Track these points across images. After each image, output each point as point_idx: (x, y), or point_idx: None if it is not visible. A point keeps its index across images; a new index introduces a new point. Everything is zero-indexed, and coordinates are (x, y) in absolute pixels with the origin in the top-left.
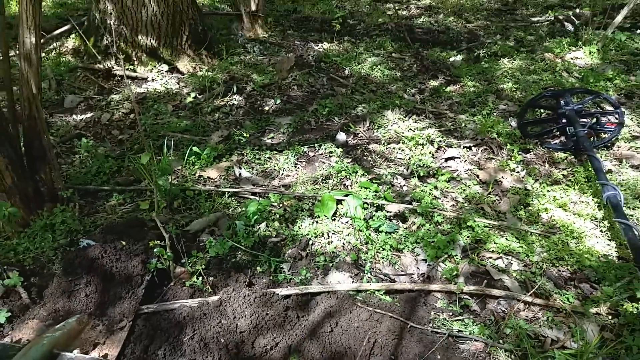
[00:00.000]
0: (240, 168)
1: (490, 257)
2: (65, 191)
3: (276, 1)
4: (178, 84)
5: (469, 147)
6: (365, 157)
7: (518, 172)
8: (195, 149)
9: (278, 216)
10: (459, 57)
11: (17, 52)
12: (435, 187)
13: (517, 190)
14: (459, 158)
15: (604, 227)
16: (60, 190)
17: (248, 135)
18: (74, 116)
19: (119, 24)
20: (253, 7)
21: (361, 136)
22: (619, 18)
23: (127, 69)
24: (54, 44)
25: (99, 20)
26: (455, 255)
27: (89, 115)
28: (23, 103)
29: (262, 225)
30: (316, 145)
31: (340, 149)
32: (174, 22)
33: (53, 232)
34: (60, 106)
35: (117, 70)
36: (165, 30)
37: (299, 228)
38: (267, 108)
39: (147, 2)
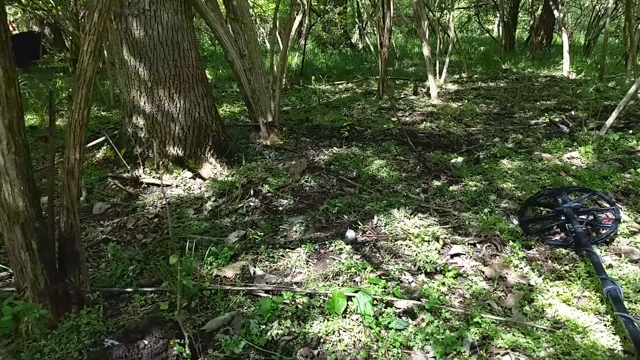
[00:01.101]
0: (255, 266)
1: (498, 353)
2: (92, 294)
3: (290, 112)
4: (200, 189)
5: (474, 244)
6: (373, 254)
7: (522, 268)
8: (213, 249)
9: (290, 314)
10: (460, 159)
11: (62, 165)
12: (443, 284)
13: (522, 286)
14: (464, 254)
15: (608, 321)
16: (87, 292)
17: (263, 234)
18: (102, 222)
19: (149, 136)
20: (269, 119)
21: (369, 233)
22: (610, 119)
23: (153, 177)
24: (87, 155)
25: (130, 133)
26: (464, 352)
27: (115, 220)
28: (62, 211)
29: (275, 324)
30: (327, 242)
31: (350, 246)
32: (199, 134)
33: (78, 333)
34: (89, 213)
35: (144, 178)
36: (191, 142)
37: (310, 326)
38: (281, 208)
39: (176, 118)
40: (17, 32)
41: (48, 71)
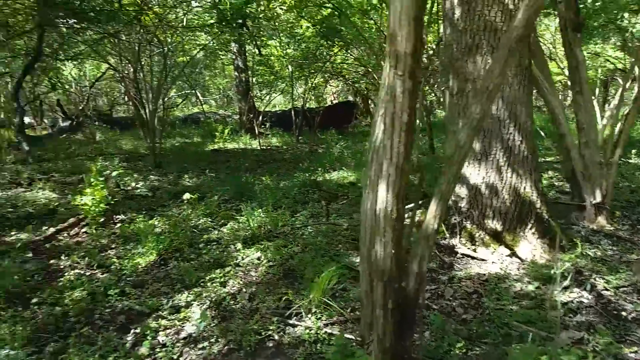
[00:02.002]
0: None
1: None
2: None
3: (619, 192)
4: (518, 269)
5: None
6: None
7: None
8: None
9: None
10: None
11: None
12: None
13: None
14: None
15: None
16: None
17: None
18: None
19: (469, 207)
20: (598, 199)
21: None
22: None
23: (468, 248)
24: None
25: (451, 201)
26: None
27: (433, 287)
28: (411, 276)
29: None
30: None
31: None
32: (522, 210)
33: None
34: None
35: (459, 247)
36: (512, 217)
37: None
38: (624, 314)
39: (500, 192)
40: (336, 101)
41: (357, 134)
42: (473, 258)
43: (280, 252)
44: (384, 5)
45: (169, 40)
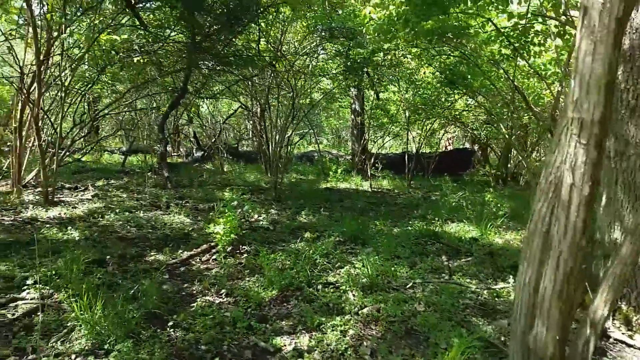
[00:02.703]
0: None
1: None
2: None
3: None
4: None
5: None
6: None
7: None
8: None
9: None
10: None
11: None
12: None
13: None
14: None
15: None
16: None
17: None
18: None
19: (626, 285)
20: None
21: None
22: None
23: (623, 333)
24: None
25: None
26: None
27: None
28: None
29: None
30: None
31: None
32: None
33: None
34: None
35: (612, 331)
36: None
37: None
38: None
39: None
40: (451, 147)
41: (474, 183)
42: (629, 346)
43: (400, 307)
44: (517, 55)
45: (297, 84)
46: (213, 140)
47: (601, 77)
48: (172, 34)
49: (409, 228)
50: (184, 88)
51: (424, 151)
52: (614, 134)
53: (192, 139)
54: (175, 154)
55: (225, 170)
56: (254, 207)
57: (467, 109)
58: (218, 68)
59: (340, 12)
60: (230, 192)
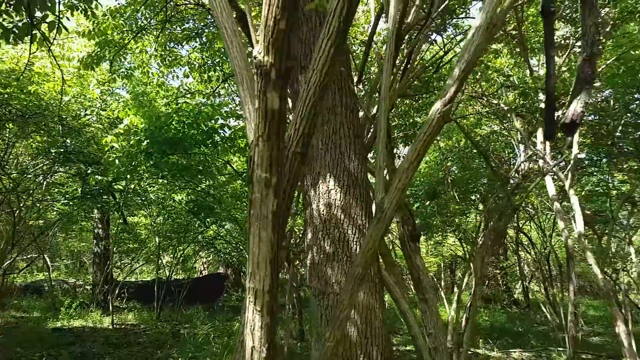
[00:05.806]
0: None
1: None
2: None
3: None
4: None
5: None
6: None
7: None
8: None
9: None
10: None
11: None
12: None
13: None
14: None
15: None
16: None
17: None
18: None
19: None
20: None
21: None
22: None
23: None
24: None
25: None
26: None
27: None
28: None
29: None
30: None
31: None
32: None
33: None
34: None
35: None
36: None
37: None
38: None
39: None
40: (206, 272)
41: (226, 311)
42: None
43: None
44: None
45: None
46: None
47: (267, 255)
48: None
49: None
50: None
51: (178, 277)
52: (316, 275)
53: None
54: None
55: None
56: None
57: (219, 234)
58: None
59: (81, 136)
60: None
